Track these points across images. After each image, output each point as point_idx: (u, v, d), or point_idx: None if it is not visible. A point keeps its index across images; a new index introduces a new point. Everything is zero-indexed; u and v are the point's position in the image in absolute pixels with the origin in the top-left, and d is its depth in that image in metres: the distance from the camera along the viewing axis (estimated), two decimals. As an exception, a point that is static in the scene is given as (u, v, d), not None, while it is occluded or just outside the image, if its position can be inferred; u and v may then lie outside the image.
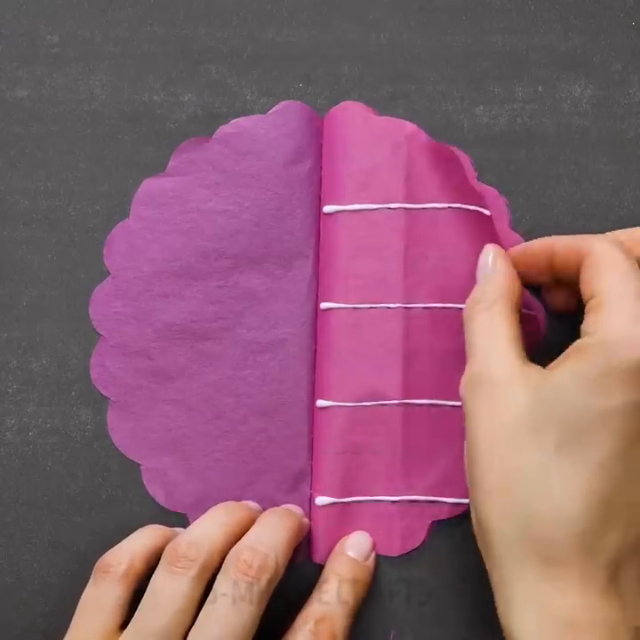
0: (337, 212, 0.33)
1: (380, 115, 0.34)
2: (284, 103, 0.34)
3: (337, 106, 0.34)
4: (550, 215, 0.34)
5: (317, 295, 0.33)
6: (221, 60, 0.35)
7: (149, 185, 0.34)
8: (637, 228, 0.30)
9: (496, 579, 0.26)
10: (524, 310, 0.31)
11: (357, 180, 0.33)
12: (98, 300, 0.33)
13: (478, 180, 0.34)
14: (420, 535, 0.32)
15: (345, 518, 0.32)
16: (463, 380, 0.28)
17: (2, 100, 0.35)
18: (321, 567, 0.32)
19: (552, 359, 0.27)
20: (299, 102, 0.34)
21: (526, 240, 0.33)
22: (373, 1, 0.35)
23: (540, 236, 0.34)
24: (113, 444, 0.33)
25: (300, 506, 0.32)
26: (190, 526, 0.29)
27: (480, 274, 0.30)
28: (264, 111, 0.34)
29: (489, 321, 0.28)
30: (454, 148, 0.33)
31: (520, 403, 0.26)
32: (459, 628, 0.32)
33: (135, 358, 0.33)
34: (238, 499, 0.32)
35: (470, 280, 0.30)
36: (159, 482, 0.32)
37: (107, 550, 0.33)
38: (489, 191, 0.34)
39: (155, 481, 0.32)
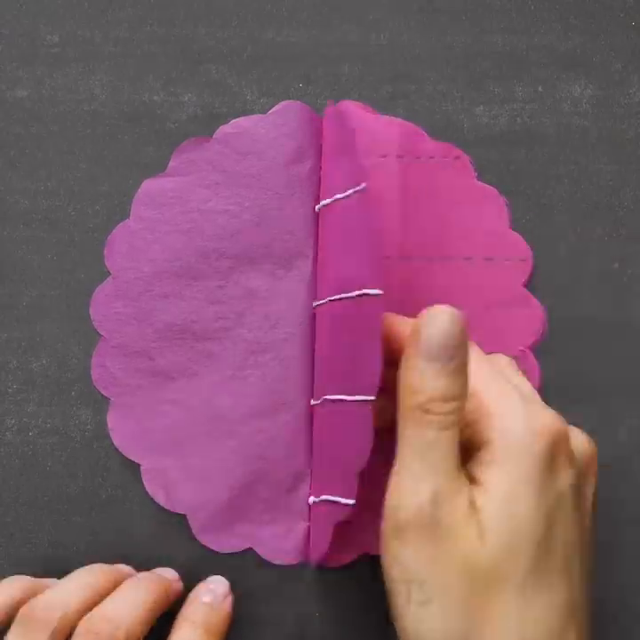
0: (323, 206, 0.33)
1: (380, 114, 0.34)
2: (283, 103, 0.34)
3: (335, 105, 0.34)
4: (550, 215, 0.34)
5: (316, 297, 0.33)
6: (221, 60, 0.35)
7: (149, 185, 0.34)
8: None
9: None
10: (512, 258, 0.31)
11: (355, 179, 0.33)
12: (98, 301, 0.33)
13: (478, 180, 0.34)
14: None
15: (343, 518, 0.32)
16: (388, 509, 0.25)
17: (2, 100, 0.35)
18: (322, 569, 0.32)
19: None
20: (299, 102, 0.34)
21: (526, 240, 0.33)
22: (373, 1, 0.35)
23: (540, 236, 0.34)
24: (113, 444, 0.33)
25: (299, 506, 0.32)
26: (50, 588, 0.29)
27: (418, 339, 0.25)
28: (264, 111, 0.34)
29: (436, 442, 0.24)
30: (453, 147, 0.33)
31: (475, 542, 0.24)
32: (459, 628, 0.32)
33: (135, 359, 0.33)
34: (238, 499, 0.32)
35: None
36: (159, 482, 0.32)
37: (107, 550, 0.33)
38: (489, 191, 0.34)
39: (155, 481, 0.32)
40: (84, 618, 0.28)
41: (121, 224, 0.34)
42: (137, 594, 0.29)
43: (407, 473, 0.25)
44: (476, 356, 0.27)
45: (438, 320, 0.24)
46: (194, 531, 0.32)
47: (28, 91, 0.35)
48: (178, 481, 0.32)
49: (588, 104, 0.35)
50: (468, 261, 0.33)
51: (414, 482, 0.24)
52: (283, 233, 0.33)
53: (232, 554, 0.32)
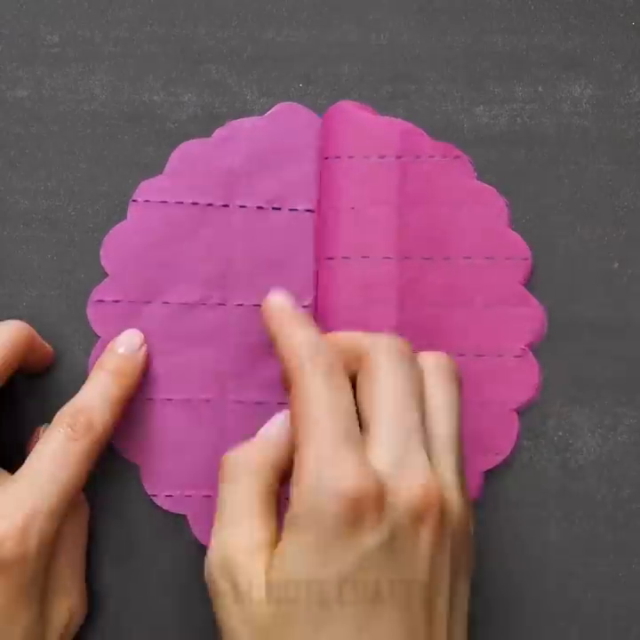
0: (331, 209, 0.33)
1: (380, 114, 0.34)
2: (281, 104, 0.34)
3: (334, 105, 0.34)
4: (550, 215, 0.34)
5: (316, 297, 0.33)
6: (221, 60, 0.35)
7: (147, 186, 0.34)
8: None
9: None
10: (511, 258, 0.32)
11: (355, 180, 0.33)
12: (95, 301, 0.33)
13: (478, 180, 0.34)
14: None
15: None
16: (210, 557, 0.26)
17: (2, 100, 0.35)
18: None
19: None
20: (296, 103, 0.34)
21: (526, 240, 0.33)
22: (373, 1, 0.35)
23: (540, 236, 0.34)
24: (113, 444, 0.33)
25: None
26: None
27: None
28: (264, 111, 0.34)
29: (248, 491, 0.26)
30: (453, 147, 0.34)
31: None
32: (459, 628, 0.32)
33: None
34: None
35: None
36: (159, 482, 0.32)
37: (106, 550, 0.33)
38: (489, 191, 0.34)
39: (155, 481, 0.32)
40: (60, 411, 0.29)
41: (118, 225, 0.34)
42: (106, 384, 0.30)
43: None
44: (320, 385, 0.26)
45: None
46: (194, 531, 0.32)
47: (28, 91, 0.35)
48: (177, 481, 0.32)
49: (588, 104, 0.35)
50: (468, 261, 0.33)
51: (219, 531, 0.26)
52: (282, 234, 0.33)
53: (232, 554, 0.32)
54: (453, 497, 0.26)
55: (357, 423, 0.26)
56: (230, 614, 0.25)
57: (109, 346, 0.32)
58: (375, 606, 0.24)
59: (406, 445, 0.25)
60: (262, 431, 0.28)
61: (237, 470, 0.27)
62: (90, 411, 0.29)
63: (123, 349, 0.32)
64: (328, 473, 0.24)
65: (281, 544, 0.25)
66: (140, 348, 0.32)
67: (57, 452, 0.28)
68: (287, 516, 0.25)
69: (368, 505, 0.24)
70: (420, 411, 0.26)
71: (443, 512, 0.25)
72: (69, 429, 0.29)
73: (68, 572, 0.30)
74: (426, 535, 0.25)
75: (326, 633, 0.24)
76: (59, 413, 0.30)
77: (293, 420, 0.26)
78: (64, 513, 0.28)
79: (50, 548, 0.28)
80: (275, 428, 0.28)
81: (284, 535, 0.25)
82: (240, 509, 0.26)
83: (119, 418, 0.31)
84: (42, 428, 0.32)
